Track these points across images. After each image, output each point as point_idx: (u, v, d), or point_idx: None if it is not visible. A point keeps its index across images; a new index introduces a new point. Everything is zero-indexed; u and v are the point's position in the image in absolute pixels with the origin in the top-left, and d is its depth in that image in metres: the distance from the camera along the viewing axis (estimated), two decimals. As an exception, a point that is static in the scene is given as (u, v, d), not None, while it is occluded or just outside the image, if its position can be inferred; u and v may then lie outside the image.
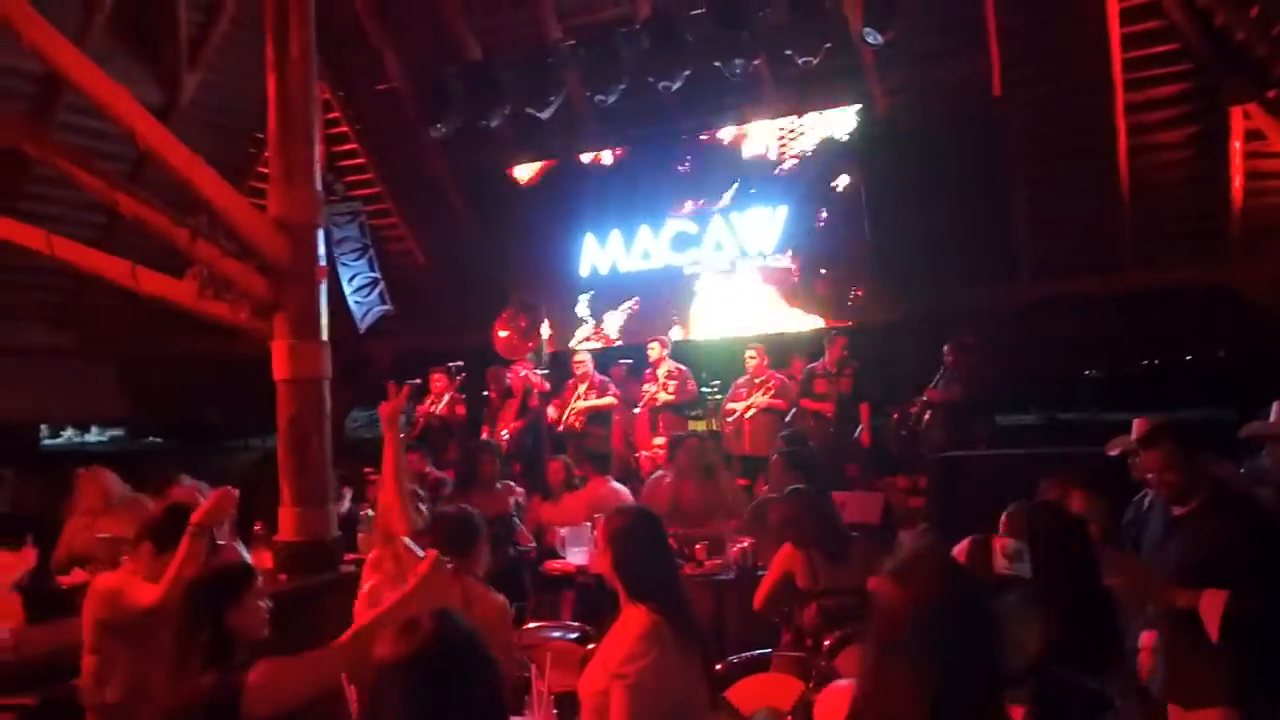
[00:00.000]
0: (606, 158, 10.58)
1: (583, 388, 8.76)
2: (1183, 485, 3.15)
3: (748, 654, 4.06)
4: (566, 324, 10.64)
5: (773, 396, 8.22)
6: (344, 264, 10.65)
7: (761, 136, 9.85)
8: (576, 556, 5.87)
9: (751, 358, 8.41)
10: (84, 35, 7.84)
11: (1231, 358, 7.87)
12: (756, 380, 8.32)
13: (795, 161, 9.67)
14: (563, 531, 6.11)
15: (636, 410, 8.75)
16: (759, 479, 7.12)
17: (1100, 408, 7.18)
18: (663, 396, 8.56)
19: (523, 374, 9.04)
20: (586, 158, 10.68)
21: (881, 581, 1.85)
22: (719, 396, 8.90)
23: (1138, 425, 3.33)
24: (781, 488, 5.05)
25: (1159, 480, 3.21)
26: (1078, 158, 8.80)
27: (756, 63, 8.58)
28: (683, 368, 8.75)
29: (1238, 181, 8.10)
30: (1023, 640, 2.19)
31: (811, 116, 9.57)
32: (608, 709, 2.50)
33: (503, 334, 9.30)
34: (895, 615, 1.78)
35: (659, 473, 6.94)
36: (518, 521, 6.32)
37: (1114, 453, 3.53)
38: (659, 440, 7.93)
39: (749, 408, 8.23)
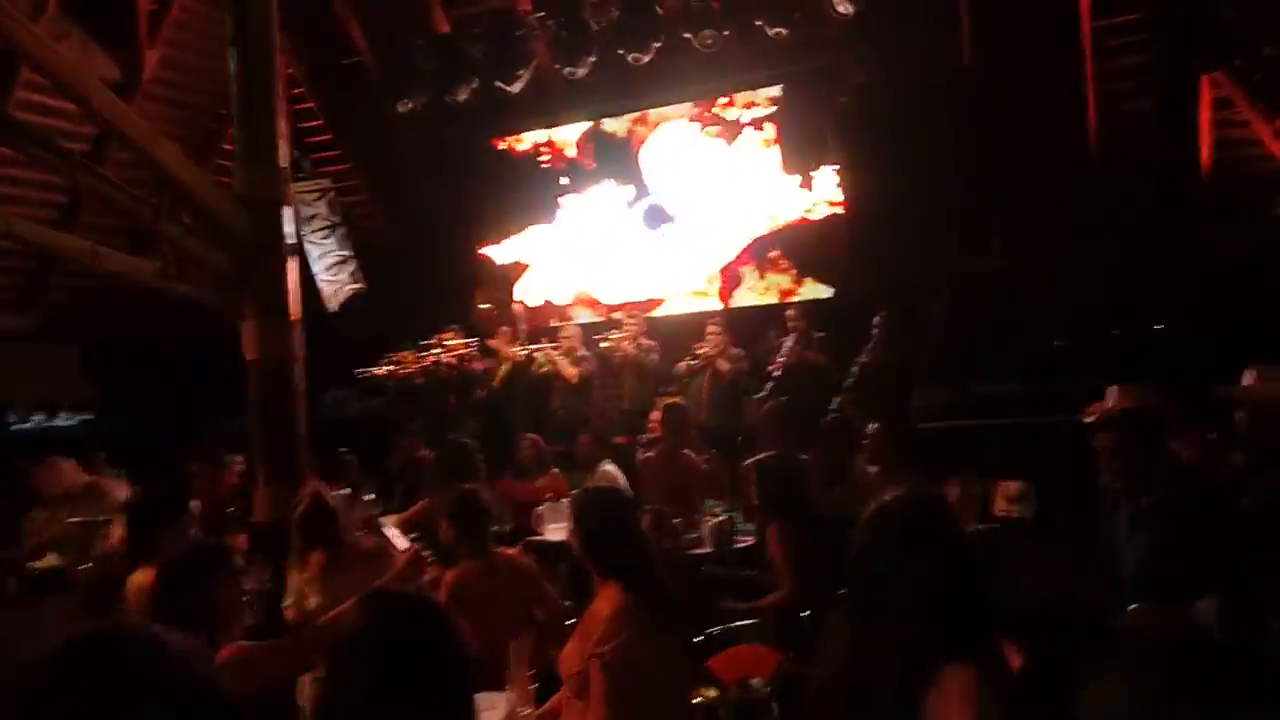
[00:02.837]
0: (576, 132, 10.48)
1: (562, 359, 8.74)
2: (1138, 474, 3.05)
3: (728, 625, 4.07)
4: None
5: (731, 363, 8.26)
6: (312, 242, 10.51)
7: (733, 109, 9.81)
8: (555, 533, 5.84)
9: (714, 331, 8.41)
10: (40, 12, 7.65)
11: (1202, 325, 7.95)
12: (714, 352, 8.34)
13: (768, 133, 9.63)
14: (539, 509, 6.08)
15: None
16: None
17: (1072, 377, 7.22)
18: (626, 345, 8.56)
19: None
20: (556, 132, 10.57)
21: (858, 532, 1.83)
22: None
23: (1112, 393, 3.34)
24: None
25: (1113, 466, 3.15)
26: (1048, 126, 8.81)
27: (727, 34, 8.52)
28: (654, 342, 8.75)
29: (1207, 149, 8.15)
30: (1026, 580, 2.18)
31: (784, 89, 9.53)
32: (587, 689, 2.49)
33: (483, 306, 9.28)
34: (873, 561, 1.76)
35: (649, 453, 6.84)
36: None
37: (1090, 419, 3.53)
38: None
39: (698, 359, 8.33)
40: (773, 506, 4.40)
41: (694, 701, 2.95)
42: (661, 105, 10.01)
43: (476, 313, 9.44)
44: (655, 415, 7.17)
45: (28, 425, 13.75)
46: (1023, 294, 8.65)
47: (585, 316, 10.10)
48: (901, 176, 8.73)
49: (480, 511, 3.78)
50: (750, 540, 5.40)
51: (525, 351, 8.95)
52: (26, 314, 10.05)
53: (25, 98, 8.15)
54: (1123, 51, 8.16)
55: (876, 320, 8.01)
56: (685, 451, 6.34)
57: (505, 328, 9.35)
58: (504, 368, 8.93)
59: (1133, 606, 2.63)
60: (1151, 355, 7.68)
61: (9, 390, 10.58)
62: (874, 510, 1.89)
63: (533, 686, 2.82)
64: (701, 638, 3.81)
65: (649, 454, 6.63)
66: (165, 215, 4.83)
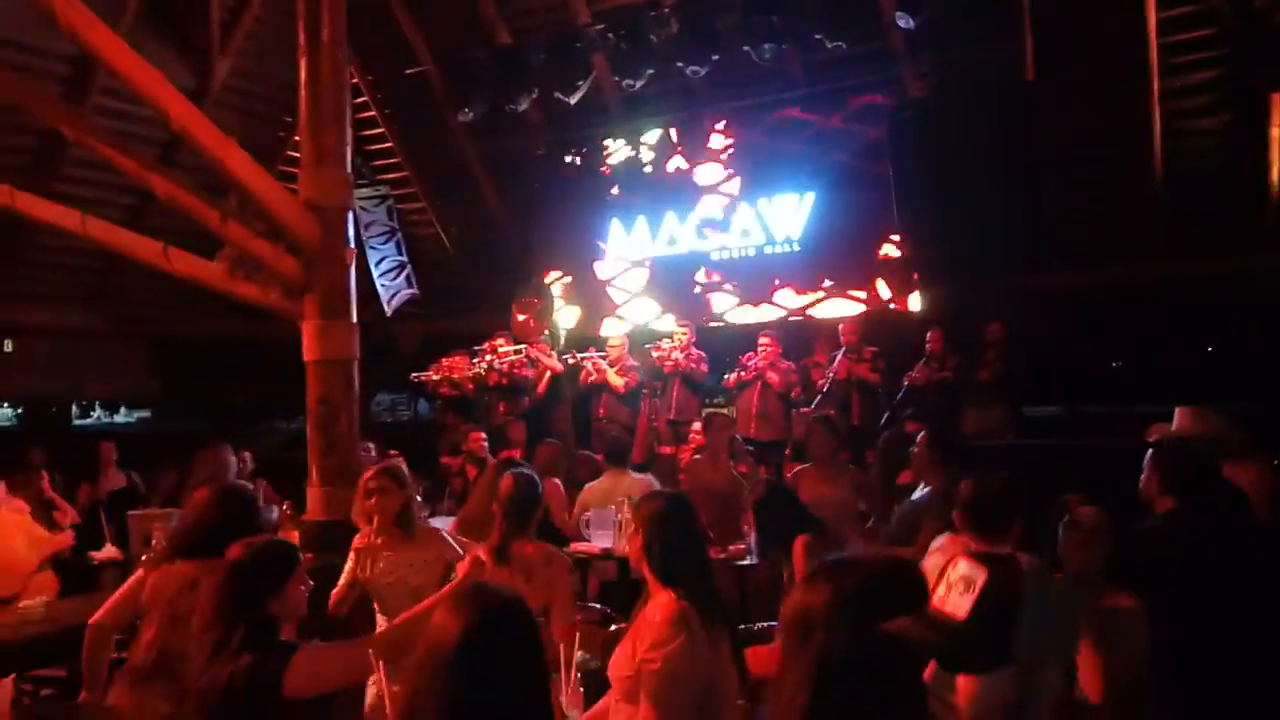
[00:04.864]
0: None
1: (609, 369, 8.78)
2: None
3: (762, 624, 4.05)
4: (594, 308, 10.69)
5: (781, 375, 8.23)
6: (372, 247, 10.71)
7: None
8: (601, 539, 5.88)
9: (764, 345, 8.39)
10: (118, 20, 7.92)
11: (1265, 348, 7.75)
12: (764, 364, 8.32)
13: (822, 147, 9.61)
14: (588, 514, 6.12)
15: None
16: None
17: (1129, 400, 7.09)
18: (676, 355, 8.57)
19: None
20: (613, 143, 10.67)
21: (800, 582, 1.67)
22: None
23: (1179, 414, 3.29)
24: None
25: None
26: (1111, 144, 8.67)
27: (786, 47, 8.51)
28: (702, 353, 8.75)
29: (1275, 169, 7.96)
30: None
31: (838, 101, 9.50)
32: (636, 694, 2.50)
33: (520, 317, 9.36)
34: (800, 615, 1.58)
35: (696, 457, 6.85)
36: None
37: (1154, 439, 3.48)
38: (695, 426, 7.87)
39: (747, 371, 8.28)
40: None
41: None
42: (718, 118, 10.05)
43: (515, 325, 9.50)
44: (696, 426, 7.19)
45: (89, 420, 14.15)
46: (1082, 313, 8.52)
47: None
48: (959, 192, 8.63)
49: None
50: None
51: (566, 360, 9.00)
52: (98, 311, 10.37)
53: (101, 102, 8.44)
54: (1190, 69, 8.00)
55: (930, 336, 7.97)
56: (727, 460, 6.34)
57: (543, 338, 9.40)
58: (546, 377, 8.99)
59: None
60: (1213, 379, 7.51)
61: (78, 385, 10.90)
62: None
63: (580, 689, 2.84)
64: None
65: (696, 458, 6.64)
66: (234, 219, 4.96)
